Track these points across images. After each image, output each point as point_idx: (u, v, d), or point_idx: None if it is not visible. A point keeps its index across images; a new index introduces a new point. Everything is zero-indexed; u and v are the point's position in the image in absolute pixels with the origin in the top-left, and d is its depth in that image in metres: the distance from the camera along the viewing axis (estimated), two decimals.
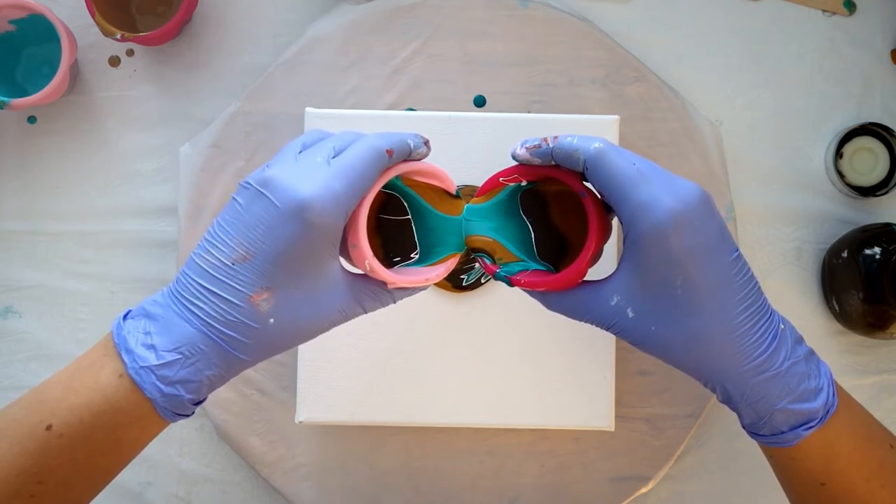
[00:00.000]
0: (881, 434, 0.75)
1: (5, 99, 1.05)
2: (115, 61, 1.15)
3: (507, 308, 1.02)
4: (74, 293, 1.13)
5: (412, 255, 0.79)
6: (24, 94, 1.10)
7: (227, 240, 0.67)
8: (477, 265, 1.01)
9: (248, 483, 1.12)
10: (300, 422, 1.02)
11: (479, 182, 0.97)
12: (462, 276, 1.01)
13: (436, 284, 1.01)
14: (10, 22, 1.08)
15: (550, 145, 0.72)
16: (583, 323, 0.74)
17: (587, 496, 1.07)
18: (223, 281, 0.67)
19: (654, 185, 0.68)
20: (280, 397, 1.08)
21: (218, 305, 0.67)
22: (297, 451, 1.08)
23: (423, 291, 0.80)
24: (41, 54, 1.13)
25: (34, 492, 0.68)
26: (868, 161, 1.10)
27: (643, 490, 1.08)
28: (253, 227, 0.67)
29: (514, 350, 1.02)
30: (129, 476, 1.11)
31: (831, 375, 0.72)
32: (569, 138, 0.71)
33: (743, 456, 1.10)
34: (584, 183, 0.72)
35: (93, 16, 1.06)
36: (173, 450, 1.12)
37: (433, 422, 1.03)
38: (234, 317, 0.67)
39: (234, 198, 0.69)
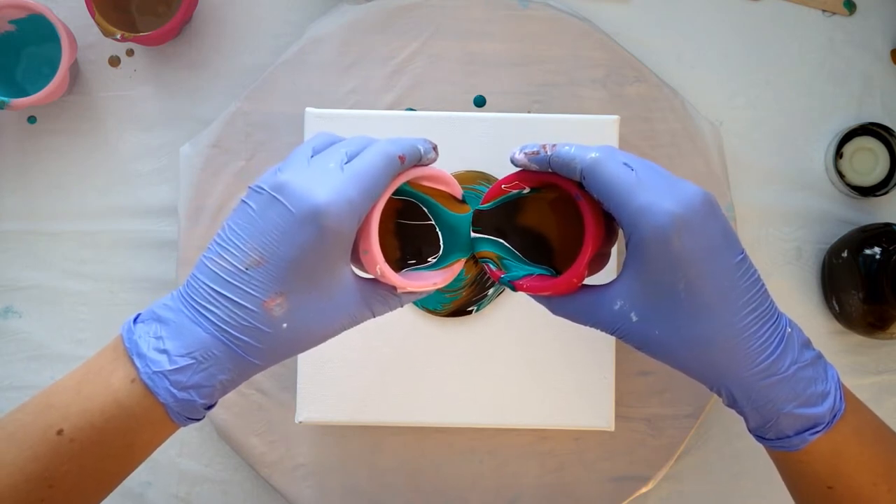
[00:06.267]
0: (889, 438, 0.75)
1: (5, 99, 1.05)
2: (115, 61, 1.15)
3: (507, 309, 1.02)
4: (74, 293, 1.13)
5: (429, 259, 0.79)
6: (24, 94, 1.10)
7: (240, 244, 0.67)
8: (489, 292, 1.01)
9: (248, 483, 1.12)
10: (300, 422, 1.02)
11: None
12: (471, 309, 1.01)
13: (447, 316, 1.02)
14: (10, 22, 1.08)
15: (548, 153, 0.72)
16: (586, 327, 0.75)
17: (587, 496, 1.07)
18: (237, 286, 0.67)
19: (654, 190, 0.68)
20: (280, 397, 1.08)
21: (231, 310, 0.67)
22: (297, 451, 1.08)
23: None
24: (41, 54, 1.12)
25: (44, 496, 0.68)
26: (868, 161, 1.10)
27: (643, 490, 1.08)
28: (267, 232, 0.67)
29: (515, 350, 1.02)
30: (129, 476, 1.10)
31: (839, 379, 0.72)
32: (566, 147, 0.71)
33: (743, 456, 1.11)
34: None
35: (93, 16, 1.06)
36: (173, 450, 1.11)
37: (433, 422, 1.03)
38: (248, 322, 0.67)
39: (245, 202, 0.69)
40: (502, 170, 0.82)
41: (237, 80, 1.14)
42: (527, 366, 1.02)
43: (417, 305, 1.02)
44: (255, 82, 1.11)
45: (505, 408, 1.02)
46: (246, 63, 1.15)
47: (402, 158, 0.71)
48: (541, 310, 0.78)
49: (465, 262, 0.99)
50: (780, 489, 0.79)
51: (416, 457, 1.08)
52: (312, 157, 0.71)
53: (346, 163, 0.70)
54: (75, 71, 1.12)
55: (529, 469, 1.08)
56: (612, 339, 1.01)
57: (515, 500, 1.08)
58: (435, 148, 0.76)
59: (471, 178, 1.01)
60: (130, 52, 1.15)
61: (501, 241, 0.78)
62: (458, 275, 0.99)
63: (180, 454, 1.12)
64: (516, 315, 1.02)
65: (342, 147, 0.71)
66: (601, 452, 1.08)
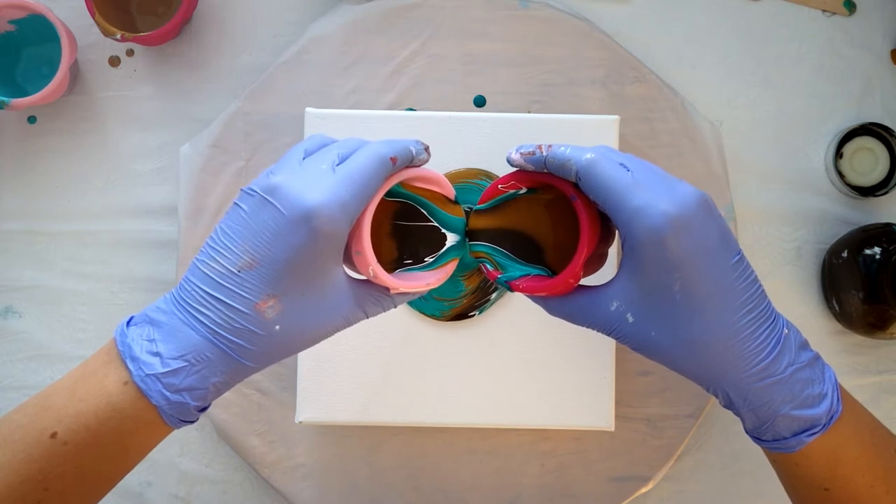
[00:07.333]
0: (887, 439, 0.74)
1: (5, 99, 1.05)
2: (115, 61, 1.15)
3: (508, 309, 1.02)
4: (74, 293, 1.13)
5: (426, 259, 0.79)
6: (24, 94, 1.10)
7: (232, 247, 0.68)
8: (492, 297, 1.01)
9: (248, 483, 1.12)
10: (300, 422, 1.02)
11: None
12: (473, 314, 1.01)
13: (446, 320, 1.02)
14: (10, 22, 1.08)
15: (544, 154, 0.72)
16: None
17: (587, 496, 1.07)
18: (229, 288, 0.67)
19: (649, 191, 0.68)
20: (280, 397, 1.08)
21: (224, 313, 0.67)
22: (297, 451, 1.08)
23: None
24: (41, 54, 1.13)
25: (39, 498, 0.68)
26: (868, 161, 1.10)
27: (643, 490, 1.08)
28: (259, 234, 0.67)
29: (515, 350, 1.02)
30: (129, 476, 1.09)
31: (836, 381, 0.72)
32: (562, 148, 0.71)
33: (743, 456, 1.11)
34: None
35: (93, 16, 1.06)
36: (173, 450, 1.12)
37: (434, 422, 1.03)
38: (241, 324, 0.67)
39: (237, 204, 0.69)
40: (502, 170, 0.83)
41: (237, 80, 1.14)
42: (527, 366, 1.02)
43: (415, 308, 1.02)
44: (254, 82, 1.11)
45: (505, 408, 1.02)
46: (246, 63, 1.15)
47: (394, 160, 0.71)
48: (540, 310, 0.78)
49: (468, 274, 0.99)
50: (779, 489, 0.79)
51: (416, 457, 1.08)
52: (304, 158, 0.71)
53: (338, 164, 0.70)
54: (75, 71, 1.12)
55: (529, 469, 1.08)
56: (612, 340, 1.01)
57: (515, 500, 1.08)
58: (427, 149, 0.76)
59: (472, 174, 1.01)
60: (130, 52, 1.15)
61: (497, 241, 0.78)
62: (458, 286, 0.99)
63: (180, 454, 1.12)
64: (516, 315, 1.02)
65: (334, 149, 0.71)
66: (601, 452, 1.08)
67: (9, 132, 1.14)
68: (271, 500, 1.12)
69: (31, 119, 1.14)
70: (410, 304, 1.01)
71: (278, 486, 1.08)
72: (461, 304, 1.01)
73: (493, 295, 1.01)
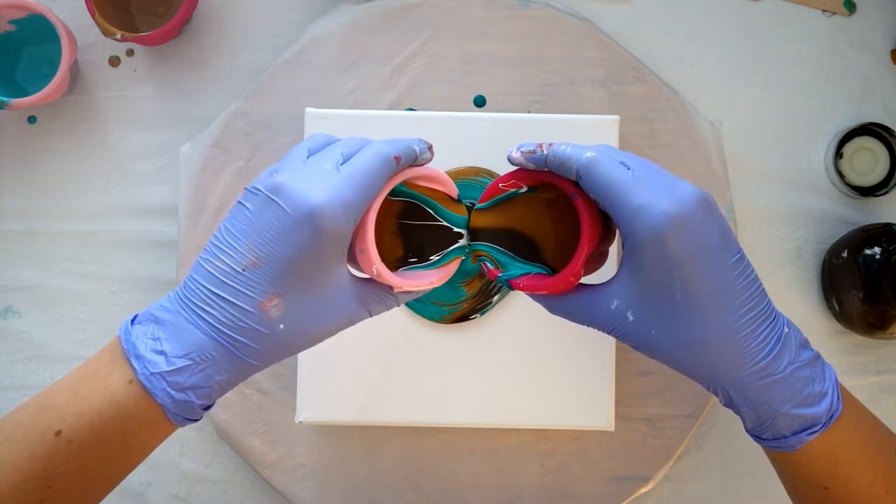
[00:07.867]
0: (887, 439, 0.74)
1: (5, 99, 1.05)
2: (115, 61, 1.15)
3: (508, 309, 1.02)
4: (74, 293, 1.13)
5: (431, 258, 0.79)
6: (24, 94, 1.10)
7: (236, 245, 0.68)
8: (494, 299, 1.01)
9: (248, 483, 1.12)
10: (300, 422, 1.02)
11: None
12: (474, 316, 1.01)
13: (447, 323, 1.02)
14: (10, 22, 1.08)
15: (545, 152, 0.72)
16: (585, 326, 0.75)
17: (587, 496, 1.07)
18: (233, 287, 0.67)
19: (650, 190, 0.68)
20: (280, 397, 1.08)
21: (228, 311, 0.67)
22: (297, 451, 1.08)
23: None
24: (41, 54, 1.12)
25: (43, 497, 0.68)
26: (868, 161, 1.10)
27: (643, 490, 1.08)
28: (263, 233, 0.67)
29: (515, 350, 1.02)
30: (129, 476, 1.09)
31: (836, 379, 0.72)
32: (563, 146, 0.71)
33: (743, 456, 1.10)
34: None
35: (93, 16, 1.06)
36: (173, 450, 1.12)
37: (434, 422, 1.03)
38: (245, 323, 0.67)
39: (241, 203, 0.69)
40: (502, 170, 0.83)
41: (237, 80, 1.14)
42: (527, 366, 1.02)
43: (414, 312, 1.02)
44: (255, 82, 1.11)
45: (505, 408, 1.02)
46: (246, 63, 1.15)
47: (397, 159, 0.71)
48: (541, 310, 0.78)
49: (468, 280, 1.00)
50: (779, 489, 0.78)
51: (416, 457, 1.08)
52: (308, 157, 0.71)
53: (342, 163, 0.70)
54: (75, 71, 1.12)
55: (529, 469, 1.08)
56: (612, 339, 1.01)
57: (515, 500, 1.08)
58: (430, 148, 0.76)
59: (473, 172, 1.01)
60: (130, 52, 1.15)
61: (498, 239, 0.78)
62: (458, 291, 0.99)
63: (180, 454, 1.12)
64: (517, 315, 1.02)
65: (338, 148, 0.71)
66: (601, 452, 1.08)
67: (9, 132, 1.14)
68: (271, 500, 1.11)
69: (31, 119, 1.14)
70: (410, 308, 1.01)
71: (278, 486, 1.08)
72: (461, 308, 1.01)
73: (496, 297, 1.01)
